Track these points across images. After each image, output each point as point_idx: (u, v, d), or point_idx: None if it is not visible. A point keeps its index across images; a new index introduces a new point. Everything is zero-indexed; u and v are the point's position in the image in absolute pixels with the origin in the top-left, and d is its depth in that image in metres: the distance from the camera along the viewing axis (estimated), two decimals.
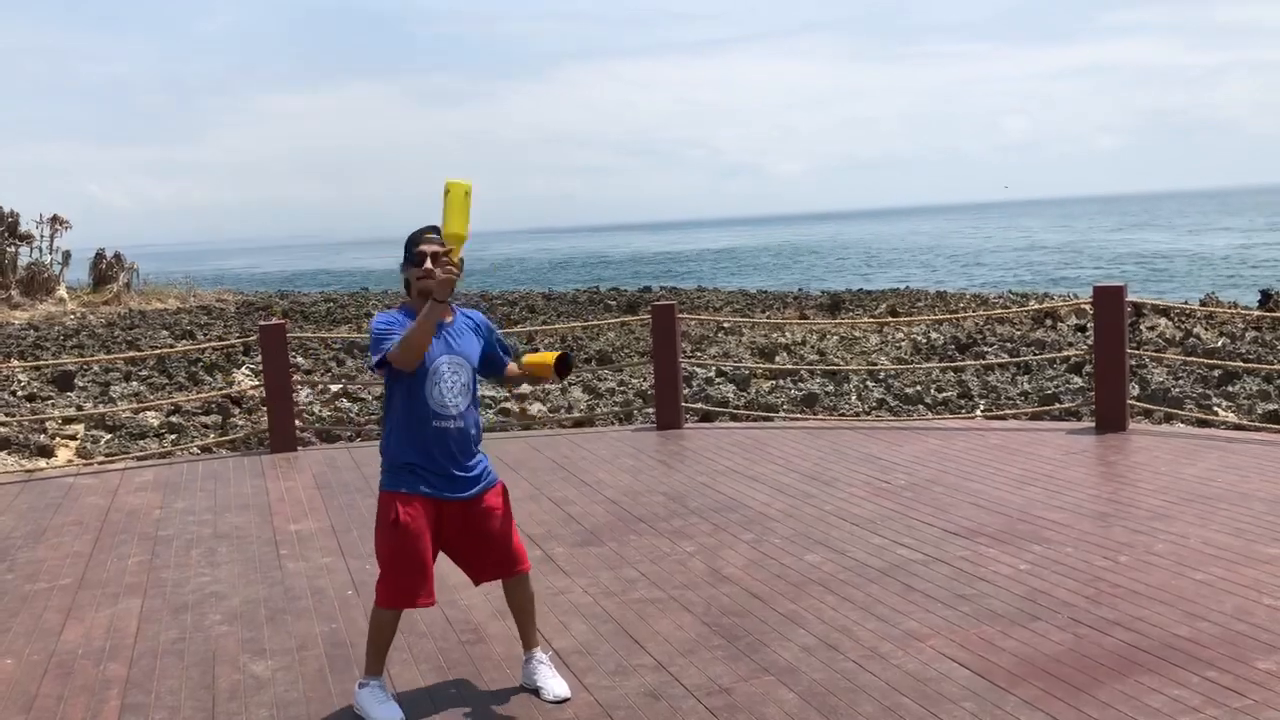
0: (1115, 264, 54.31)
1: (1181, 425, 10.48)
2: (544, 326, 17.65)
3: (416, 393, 3.93)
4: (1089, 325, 17.97)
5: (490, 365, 4.17)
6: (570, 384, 16.00)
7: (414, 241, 4.00)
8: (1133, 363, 11.28)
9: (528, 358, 4.07)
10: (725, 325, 21.75)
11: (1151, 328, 19.04)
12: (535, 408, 14.09)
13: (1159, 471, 6.97)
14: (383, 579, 4.02)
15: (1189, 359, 10.43)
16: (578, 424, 12.21)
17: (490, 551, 4.12)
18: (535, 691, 4.14)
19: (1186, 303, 21.67)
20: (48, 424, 13.52)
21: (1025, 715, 3.77)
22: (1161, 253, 60.53)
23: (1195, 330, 18.46)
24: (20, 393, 15.88)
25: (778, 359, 17.98)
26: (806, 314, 26.47)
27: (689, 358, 15.97)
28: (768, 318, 25.48)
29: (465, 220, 3.78)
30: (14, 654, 4.90)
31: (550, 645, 4.61)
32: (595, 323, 11.93)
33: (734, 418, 11.59)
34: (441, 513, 4.03)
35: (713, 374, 15.93)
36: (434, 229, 3.95)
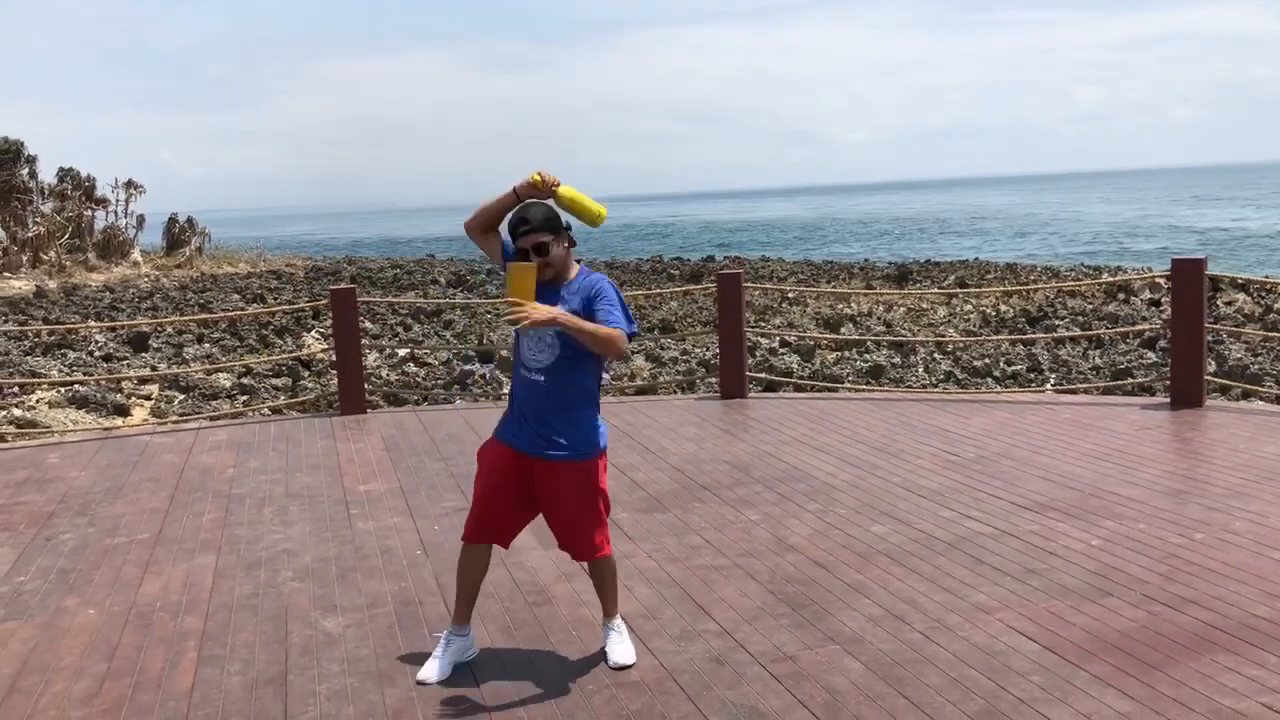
0: (1191, 237, 53.00)
1: (1260, 402, 10.22)
2: None
3: (515, 345, 4.09)
4: (1163, 299, 17.58)
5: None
6: (634, 352, 16.01)
7: (510, 235, 4.03)
8: (1210, 338, 11.02)
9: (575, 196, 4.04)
10: (790, 295, 21.61)
11: (1229, 303, 18.57)
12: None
13: (1236, 449, 6.81)
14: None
15: (1269, 335, 10.16)
16: (641, 392, 12.23)
17: (557, 524, 4.15)
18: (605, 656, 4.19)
19: (1267, 278, 21.10)
20: (124, 384, 13.86)
21: (1096, 691, 3.72)
22: (1241, 227, 58.93)
23: (1276, 306, 17.96)
24: (98, 353, 16.29)
25: (843, 330, 17.83)
26: (873, 284, 26.21)
27: (753, 328, 15.90)
28: (833, 288, 25.26)
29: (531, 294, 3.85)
30: (96, 605, 5.04)
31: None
32: (658, 291, 11.91)
33: (798, 388, 11.53)
34: (527, 467, 4.06)
35: (777, 344, 15.85)
36: (524, 217, 3.97)
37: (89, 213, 32.54)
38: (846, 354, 15.37)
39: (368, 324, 19.10)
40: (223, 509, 6.60)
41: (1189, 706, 3.58)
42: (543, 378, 4.01)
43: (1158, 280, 18.85)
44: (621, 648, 4.17)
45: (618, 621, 4.27)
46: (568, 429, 4.03)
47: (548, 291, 4.00)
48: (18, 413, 11.95)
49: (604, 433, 4.16)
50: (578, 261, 4.13)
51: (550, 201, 4.04)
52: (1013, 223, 75.43)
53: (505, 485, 4.08)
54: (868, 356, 14.88)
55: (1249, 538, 5.16)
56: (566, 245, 4.05)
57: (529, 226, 3.98)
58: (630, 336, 3.98)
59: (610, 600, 4.26)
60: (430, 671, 4.06)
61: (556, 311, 3.85)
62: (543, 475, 4.07)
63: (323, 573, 5.36)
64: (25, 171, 31.57)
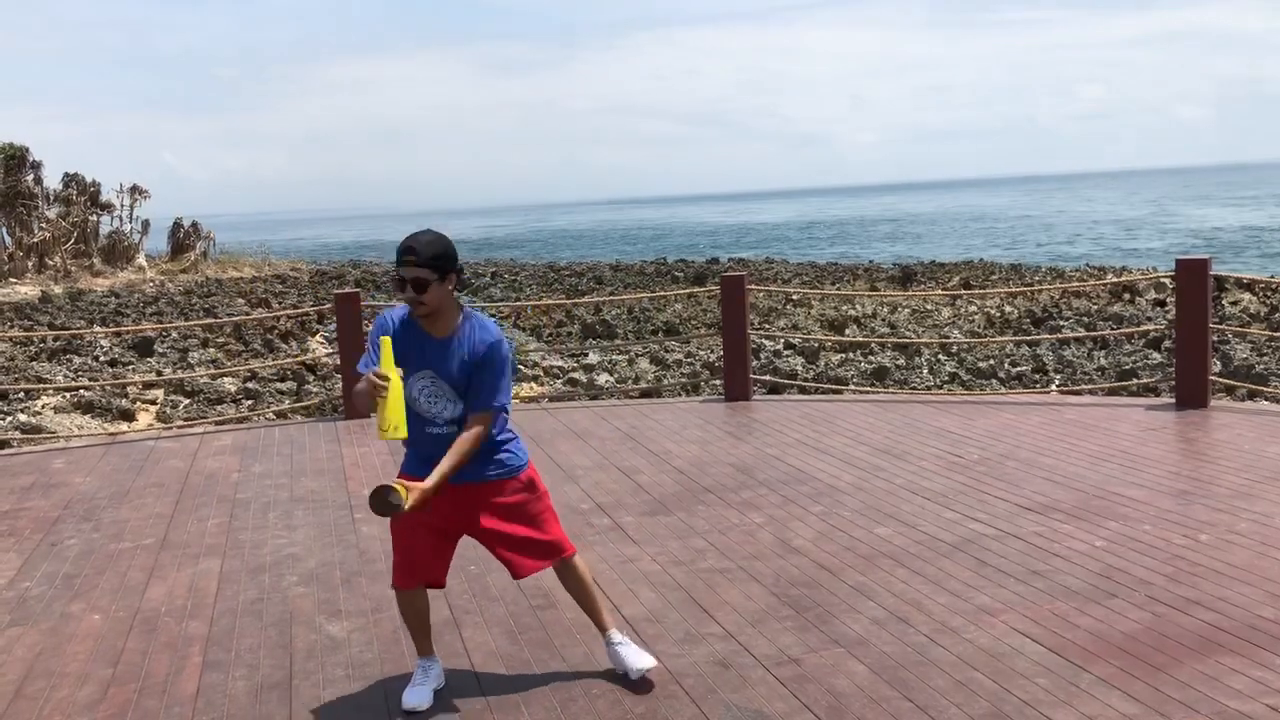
0: (1195, 237, 52.91)
1: (1266, 402, 10.20)
2: (611, 297, 17.68)
3: (410, 399, 3.76)
4: (1168, 300, 17.56)
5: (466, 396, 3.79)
6: (637, 355, 16.02)
7: (398, 255, 3.70)
8: (1215, 338, 11.00)
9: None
10: (794, 297, 21.61)
11: (1234, 302, 18.54)
12: (603, 378, 14.15)
13: (1242, 449, 6.80)
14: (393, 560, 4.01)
15: (1274, 335, 10.14)
16: (645, 394, 12.23)
17: (511, 537, 3.92)
18: (623, 678, 4.00)
19: (1273, 277, 21.06)
20: (129, 388, 13.88)
21: (1101, 692, 3.71)
22: (1246, 226, 58.81)
23: None
24: (103, 358, 16.32)
25: (847, 331, 17.83)
26: (877, 286, 26.20)
27: (757, 329, 15.90)
28: (837, 290, 25.25)
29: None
30: (101, 610, 5.05)
31: (619, 612, 4.64)
32: (662, 294, 11.92)
33: (803, 390, 11.52)
34: (453, 497, 3.82)
35: (781, 346, 15.85)
36: (408, 246, 3.64)
37: (94, 218, 32.59)
38: (851, 356, 15.36)
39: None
40: (227, 514, 6.61)
41: (1194, 708, 3.57)
42: (456, 428, 3.78)
43: (1162, 280, 18.83)
44: (635, 654, 4.00)
45: (618, 634, 4.09)
46: (495, 452, 3.88)
47: (434, 345, 3.75)
48: (23, 418, 11.97)
49: (523, 448, 3.99)
50: (460, 304, 3.83)
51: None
52: (1014, 223, 75.31)
53: (428, 524, 3.85)
54: (872, 358, 14.88)
55: (1254, 539, 5.15)
56: (451, 287, 3.70)
57: (413, 258, 3.62)
58: (500, 410, 3.76)
59: (600, 609, 4.09)
60: (419, 699, 3.88)
61: (426, 486, 3.62)
62: (472, 497, 3.87)
63: (327, 577, 5.37)
64: (30, 177, 31.62)
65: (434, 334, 3.78)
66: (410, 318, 3.80)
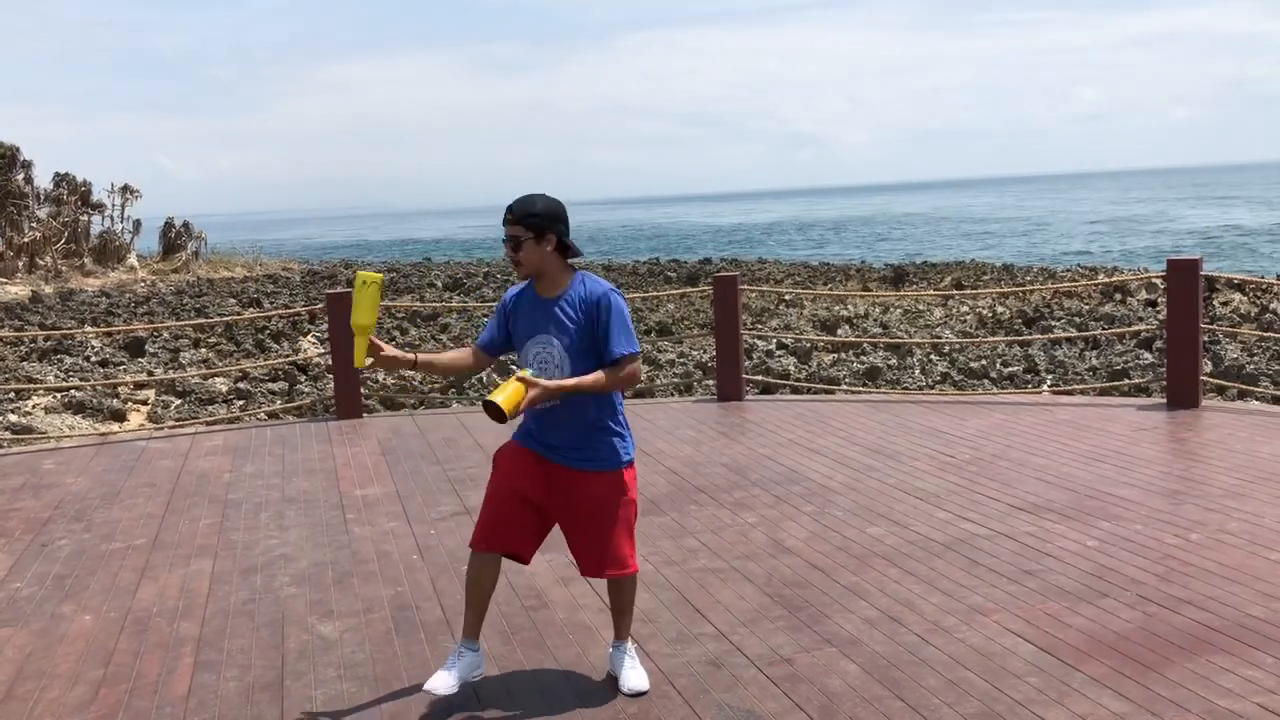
0: (1187, 237, 53.06)
1: (1256, 403, 10.23)
2: None
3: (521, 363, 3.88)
4: (1160, 300, 17.60)
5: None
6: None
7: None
8: (1206, 338, 11.03)
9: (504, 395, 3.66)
10: (786, 297, 21.62)
11: (1225, 303, 18.60)
12: None
13: (1232, 449, 6.82)
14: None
15: (1265, 335, 10.17)
16: (638, 394, 12.23)
17: (581, 536, 3.89)
18: (614, 681, 4.00)
19: (1263, 277, 21.12)
20: (120, 389, 13.85)
21: (1093, 692, 3.72)
22: (1237, 226, 58.99)
23: (1272, 306, 17.99)
24: (94, 358, 16.28)
25: (840, 331, 17.84)
26: (869, 286, 26.23)
27: (750, 330, 15.90)
28: (830, 290, 25.28)
29: (373, 312, 3.69)
30: (92, 611, 5.04)
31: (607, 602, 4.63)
32: (655, 294, 11.92)
33: (795, 390, 11.53)
34: (549, 471, 3.84)
35: (773, 346, 15.86)
36: (511, 206, 3.76)
37: (85, 218, 32.51)
38: (843, 356, 15.38)
39: None
40: (219, 514, 6.59)
41: (1185, 707, 3.58)
42: (558, 401, 3.75)
43: (1154, 281, 18.88)
44: (636, 674, 3.96)
45: (630, 645, 4.05)
46: (593, 445, 3.83)
47: (544, 307, 3.80)
48: (13, 418, 11.93)
49: (631, 444, 3.93)
50: (572, 268, 3.87)
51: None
52: (1006, 223, 75.47)
53: (522, 487, 3.81)
54: (864, 358, 14.89)
55: (1245, 538, 5.17)
56: (551, 248, 3.76)
57: (510, 215, 3.74)
58: (634, 356, 3.77)
59: (626, 622, 4.04)
60: (439, 683, 3.77)
61: (542, 385, 3.64)
62: (567, 482, 3.84)
63: (319, 578, 5.36)
64: (21, 176, 31.53)
65: (545, 296, 3.84)
66: (527, 288, 3.88)
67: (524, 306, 3.87)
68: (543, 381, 3.67)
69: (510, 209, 3.76)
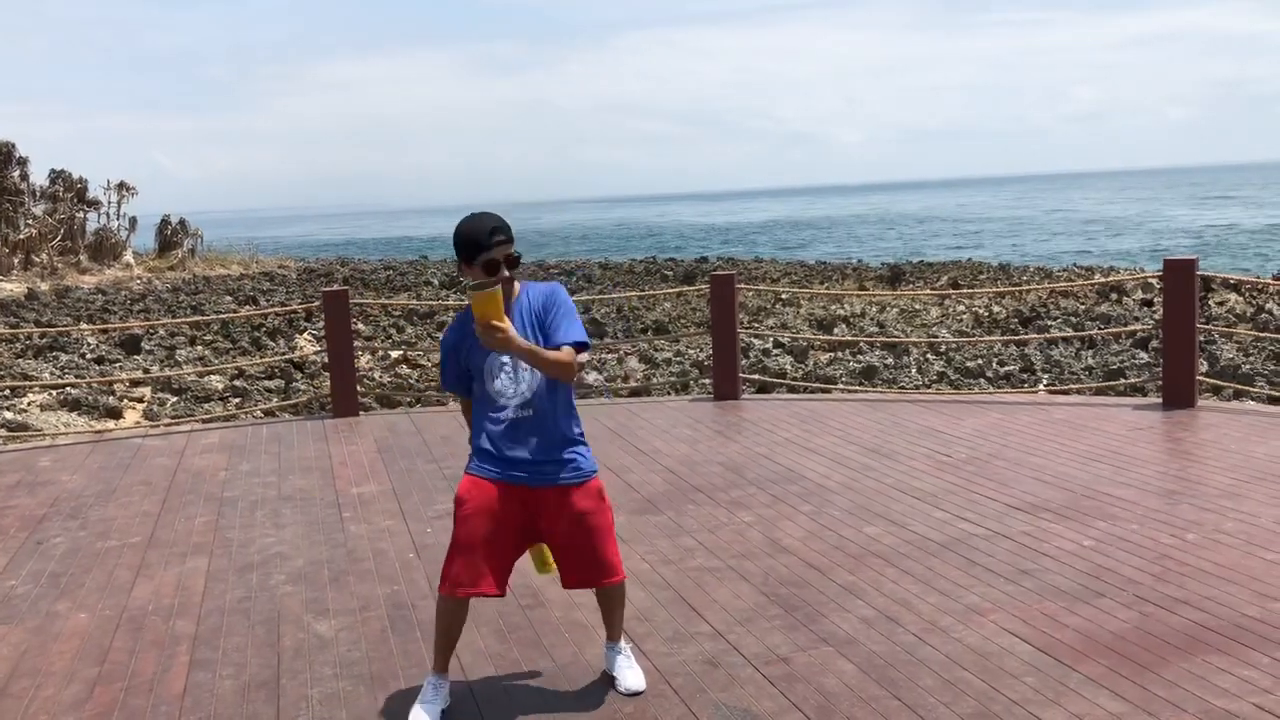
0: (1183, 237, 53.13)
1: (1252, 403, 10.25)
2: (600, 296, 17.67)
3: (482, 388, 3.77)
4: (1156, 300, 17.63)
5: (548, 343, 3.73)
6: (627, 354, 16.02)
7: (475, 243, 3.61)
8: (1202, 338, 11.04)
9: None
10: (783, 296, 21.63)
11: (1221, 303, 18.63)
12: (591, 376, 14.14)
13: (1228, 449, 6.83)
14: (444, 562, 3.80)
15: (1260, 335, 10.19)
16: (634, 393, 12.23)
17: (574, 552, 3.81)
18: (611, 680, 4.00)
19: (1259, 277, 21.14)
20: (116, 386, 13.83)
21: (1089, 692, 3.72)
22: (1233, 226, 59.08)
23: (1268, 306, 18.02)
24: (89, 355, 16.25)
25: (836, 331, 17.85)
26: (866, 285, 26.24)
27: (746, 328, 15.91)
28: (826, 289, 25.28)
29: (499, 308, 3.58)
30: (88, 609, 5.03)
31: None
32: (652, 293, 11.92)
33: (791, 389, 11.53)
34: (526, 499, 3.75)
35: (770, 345, 15.86)
36: (498, 225, 3.63)
37: (81, 215, 32.45)
38: (839, 355, 15.39)
39: (360, 326, 19.07)
40: (215, 512, 6.58)
41: (1181, 707, 3.58)
42: (530, 412, 3.72)
43: (1150, 280, 18.90)
44: (632, 673, 3.96)
45: (625, 645, 4.07)
46: (566, 458, 3.77)
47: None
48: (9, 415, 11.90)
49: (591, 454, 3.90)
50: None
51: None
52: (1002, 222, 75.51)
53: (497, 528, 3.71)
54: (861, 357, 14.90)
55: (1241, 538, 5.17)
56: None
57: (505, 236, 3.63)
58: (585, 346, 3.71)
59: (618, 623, 4.04)
60: (429, 717, 3.73)
61: (524, 345, 3.56)
62: (547, 501, 3.75)
63: (315, 576, 5.35)
64: (16, 173, 31.47)
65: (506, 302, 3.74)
66: (467, 312, 3.74)
67: (474, 333, 3.67)
68: (510, 331, 3.56)
69: (502, 229, 3.64)
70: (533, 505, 3.76)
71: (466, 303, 3.70)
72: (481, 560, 3.71)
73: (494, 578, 3.74)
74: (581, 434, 3.85)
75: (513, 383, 3.73)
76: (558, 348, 3.67)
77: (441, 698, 3.83)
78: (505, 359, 3.73)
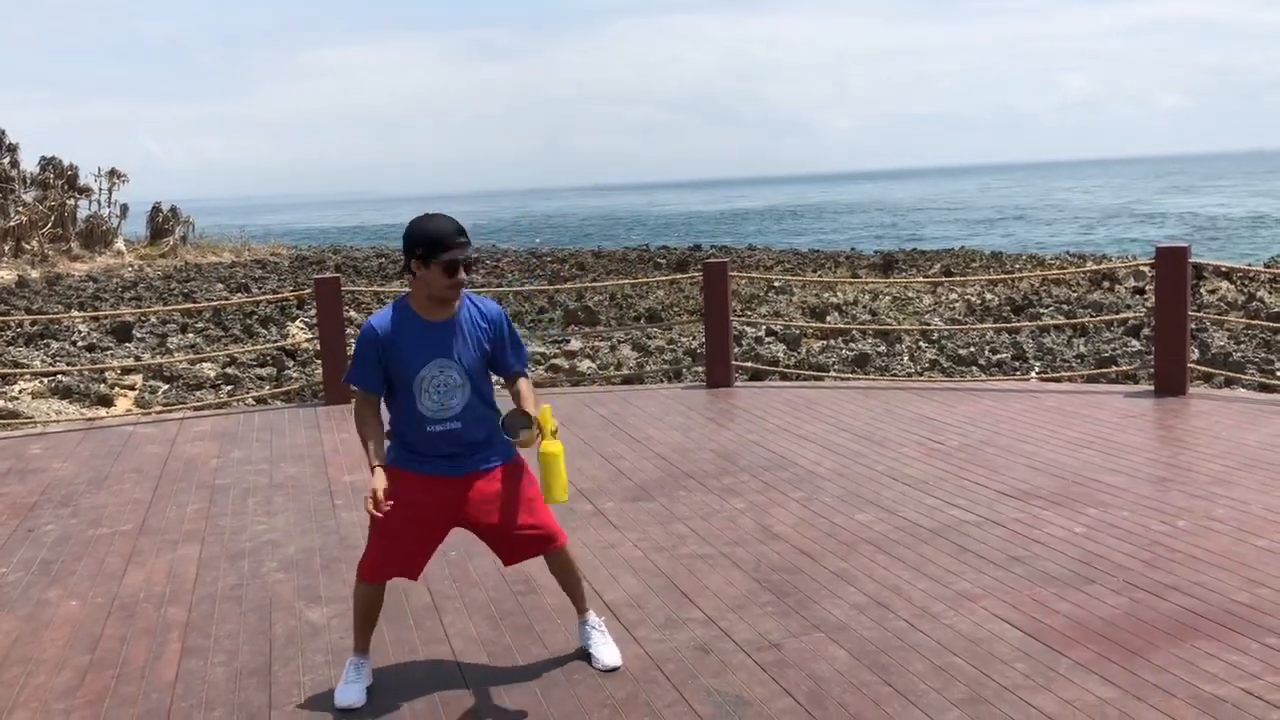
0: (1175, 225, 53.22)
1: (1243, 390, 10.28)
2: (593, 284, 17.67)
3: (409, 400, 3.71)
4: (1148, 287, 17.65)
5: (495, 367, 3.85)
6: (620, 341, 16.01)
7: (439, 241, 3.59)
8: (1193, 326, 11.06)
9: (542, 413, 3.70)
10: (776, 284, 21.63)
11: (1213, 291, 18.67)
12: (585, 364, 14.14)
13: (1219, 436, 6.85)
14: (365, 552, 3.87)
15: (1252, 322, 10.21)
16: (627, 381, 12.23)
17: (510, 524, 3.86)
18: (588, 657, 4.05)
19: (1250, 265, 21.19)
20: (107, 374, 13.79)
21: (1079, 677, 3.74)
22: (1225, 214, 59.19)
23: (1259, 294, 18.06)
24: (80, 343, 16.21)
25: (829, 319, 17.86)
26: (859, 273, 26.25)
27: (739, 316, 15.92)
28: (819, 277, 25.28)
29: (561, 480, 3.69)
30: (79, 596, 5.02)
31: (601, 598, 4.64)
32: (645, 280, 11.92)
33: (784, 377, 11.54)
34: (453, 486, 3.80)
35: (763, 333, 15.87)
36: (461, 227, 3.63)
37: (71, 202, 32.33)
38: (832, 343, 15.40)
39: (353, 313, 19.05)
40: (206, 499, 6.57)
41: (1170, 693, 3.60)
42: (459, 424, 3.74)
43: (1142, 268, 18.92)
44: (608, 649, 4.01)
45: (595, 617, 4.11)
46: (495, 443, 3.84)
47: (438, 330, 3.69)
48: (0, 403, 11.87)
49: None
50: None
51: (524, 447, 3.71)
52: (994, 210, 75.58)
53: (423, 517, 3.78)
54: (853, 345, 14.91)
55: (1231, 525, 5.19)
56: None
57: (467, 239, 3.63)
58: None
59: (582, 592, 4.10)
60: (356, 696, 3.79)
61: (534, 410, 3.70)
62: (481, 485, 3.81)
63: (307, 563, 5.35)
64: (6, 160, 31.34)
65: (437, 319, 3.72)
66: (402, 310, 3.74)
67: (409, 335, 3.68)
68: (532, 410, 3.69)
69: (464, 231, 3.64)
70: (458, 490, 3.83)
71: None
72: (403, 548, 3.82)
73: (414, 564, 3.88)
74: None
75: (440, 406, 3.73)
76: (511, 371, 3.86)
77: (364, 675, 3.92)
78: (435, 374, 3.69)
